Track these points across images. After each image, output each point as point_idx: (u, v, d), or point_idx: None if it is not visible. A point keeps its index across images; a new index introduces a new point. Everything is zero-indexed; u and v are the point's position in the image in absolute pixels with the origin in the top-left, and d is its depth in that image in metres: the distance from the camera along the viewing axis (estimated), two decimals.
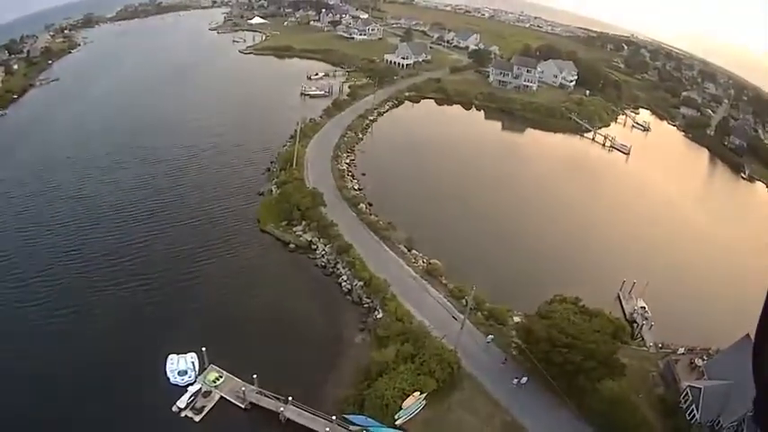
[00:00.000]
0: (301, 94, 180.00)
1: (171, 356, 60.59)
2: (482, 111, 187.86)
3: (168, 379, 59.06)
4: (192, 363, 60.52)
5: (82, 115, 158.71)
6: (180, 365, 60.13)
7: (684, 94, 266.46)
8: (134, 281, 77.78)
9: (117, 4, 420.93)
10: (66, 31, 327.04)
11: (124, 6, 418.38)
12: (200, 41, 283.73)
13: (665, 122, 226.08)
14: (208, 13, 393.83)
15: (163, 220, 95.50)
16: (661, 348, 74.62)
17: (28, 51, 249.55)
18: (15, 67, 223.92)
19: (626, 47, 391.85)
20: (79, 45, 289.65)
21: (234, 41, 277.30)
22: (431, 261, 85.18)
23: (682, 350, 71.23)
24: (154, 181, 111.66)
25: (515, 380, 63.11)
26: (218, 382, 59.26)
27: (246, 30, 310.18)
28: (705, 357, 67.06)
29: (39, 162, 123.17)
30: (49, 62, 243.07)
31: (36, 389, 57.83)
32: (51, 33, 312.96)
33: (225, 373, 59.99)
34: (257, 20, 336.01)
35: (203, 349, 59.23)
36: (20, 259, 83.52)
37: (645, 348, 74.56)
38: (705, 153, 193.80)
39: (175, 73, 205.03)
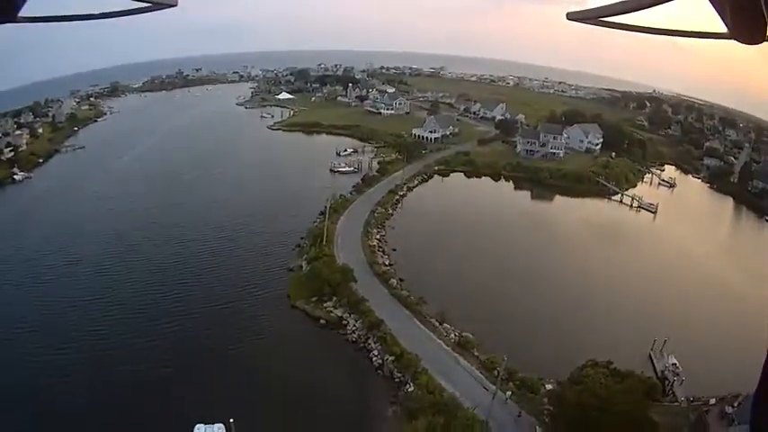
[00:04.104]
0: (330, 170, 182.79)
1: (198, 426, 61.28)
2: (511, 181, 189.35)
3: None
4: None
5: (109, 187, 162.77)
6: None
7: (707, 144, 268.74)
8: (166, 355, 79.32)
9: (143, 74, 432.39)
10: (91, 99, 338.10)
11: (151, 78, 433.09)
12: (229, 116, 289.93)
13: (689, 176, 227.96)
14: (234, 88, 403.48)
15: (193, 297, 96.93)
16: (692, 402, 74.19)
17: (53, 116, 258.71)
18: (40, 130, 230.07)
19: (648, 103, 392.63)
20: (105, 114, 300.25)
21: (262, 117, 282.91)
22: (462, 334, 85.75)
23: (713, 401, 71.18)
24: (183, 259, 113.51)
25: None
26: None
27: (274, 105, 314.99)
28: (735, 405, 67.28)
29: (62, 233, 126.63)
30: (75, 129, 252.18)
31: None
32: (77, 100, 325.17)
33: None
34: (284, 95, 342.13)
35: (231, 421, 60.43)
36: (40, 332, 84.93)
37: (677, 404, 74.28)
38: (730, 201, 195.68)
39: (204, 149, 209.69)
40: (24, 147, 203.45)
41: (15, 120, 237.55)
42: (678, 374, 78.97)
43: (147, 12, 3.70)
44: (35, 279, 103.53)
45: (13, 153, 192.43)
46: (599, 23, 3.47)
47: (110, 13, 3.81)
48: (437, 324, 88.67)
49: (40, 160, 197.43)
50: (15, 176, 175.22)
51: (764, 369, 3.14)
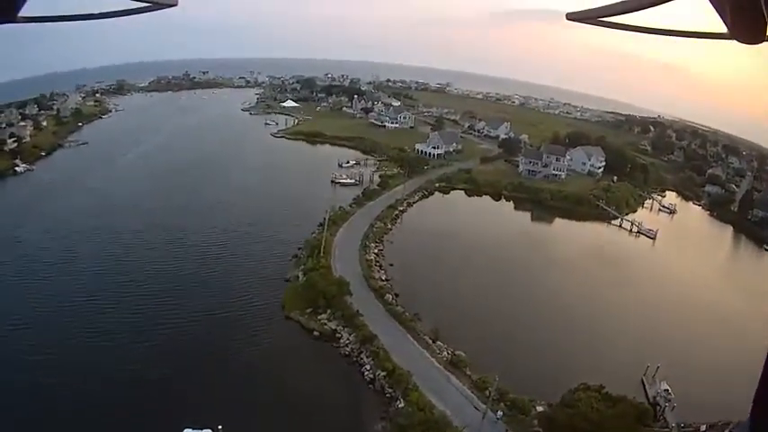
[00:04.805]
0: (332, 181, 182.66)
1: (186, 430, 61.14)
2: (511, 201, 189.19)
3: None
4: None
5: (110, 185, 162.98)
6: None
7: (709, 171, 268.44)
8: (158, 360, 79.26)
9: (149, 74, 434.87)
10: (97, 95, 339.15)
11: (157, 77, 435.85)
12: (233, 121, 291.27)
13: (690, 203, 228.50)
14: (240, 93, 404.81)
15: (188, 304, 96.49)
16: (683, 428, 74.39)
17: (58, 110, 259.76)
18: (44, 123, 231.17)
19: (652, 128, 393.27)
20: (110, 111, 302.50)
21: (266, 124, 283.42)
22: (455, 352, 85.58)
23: (703, 427, 71.44)
24: (181, 264, 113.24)
25: None
26: None
27: (279, 112, 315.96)
28: (726, 431, 67.22)
29: (62, 229, 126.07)
30: (80, 124, 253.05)
31: None
32: (82, 95, 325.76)
33: None
34: (290, 103, 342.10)
35: (219, 427, 60.21)
36: (35, 330, 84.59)
37: (667, 429, 74.19)
38: (729, 230, 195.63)
39: (208, 153, 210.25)
40: (28, 139, 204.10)
41: (20, 111, 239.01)
42: (670, 400, 78.92)
43: (146, 11, 3.72)
44: (32, 275, 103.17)
45: (16, 144, 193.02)
46: (599, 23, 3.50)
47: (110, 12, 3.86)
48: (430, 341, 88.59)
49: (43, 153, 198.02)
50: (17, 168, 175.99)
51: (764, 371, 3.30)
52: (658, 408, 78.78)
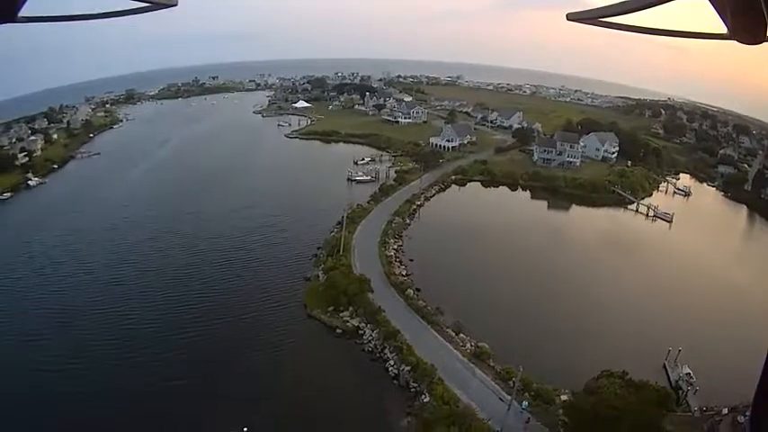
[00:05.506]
0: (348, 179, 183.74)
1: None
2: (528, 190, 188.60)
3: None
4: None
5: (124, 195, 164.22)
6: None
7: (721, 152, 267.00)
8: (182, 364, 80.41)
9: (159, 82, 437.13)
10: (107, 106, 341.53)
11: (167, 85, 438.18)
12: (246, 125, 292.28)
13: (704, 184, 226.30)
14: (251, 96, 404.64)
15: (211, 308, 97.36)
16: (705, 411, 74.05)
17: (68, 122, 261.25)
18: (55, 136, 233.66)
19: (663, 111, 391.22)
20: (121, 121, 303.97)
21: (279, 125, 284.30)
22: (478, 344, 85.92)
23: (726, 410, 71.47)
24: (200, 269, 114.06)
25: None
26: None
27: (291, 113, 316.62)
28: (747, 414, 67.25)
29: (77, 241, 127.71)
30: (91, 135, 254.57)
31: None
32: (92, 106, 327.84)
33: None
34: (302, 103, 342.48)
35: (245, 429, 60.85)
36: (54, 342, 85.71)
37: (690, 414, 74.28)
38: (744, 210, 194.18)
39: (222, 157, 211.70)
40: (39, 152, 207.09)
41: (30, 125, 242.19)
42: (692, 384, 79.05)
43: (147, 11, 3.81)
44: (48, 288, 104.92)
45: (27, 158, 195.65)
46: (599, 24, 3.57)
47: (110, 12, 3.94)
48: (453, 334, 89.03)
49: (55, 166, 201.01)
50: (30, 182, 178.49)
51: (764, 370, 3.37)
52: (681, 392, 78.94)
